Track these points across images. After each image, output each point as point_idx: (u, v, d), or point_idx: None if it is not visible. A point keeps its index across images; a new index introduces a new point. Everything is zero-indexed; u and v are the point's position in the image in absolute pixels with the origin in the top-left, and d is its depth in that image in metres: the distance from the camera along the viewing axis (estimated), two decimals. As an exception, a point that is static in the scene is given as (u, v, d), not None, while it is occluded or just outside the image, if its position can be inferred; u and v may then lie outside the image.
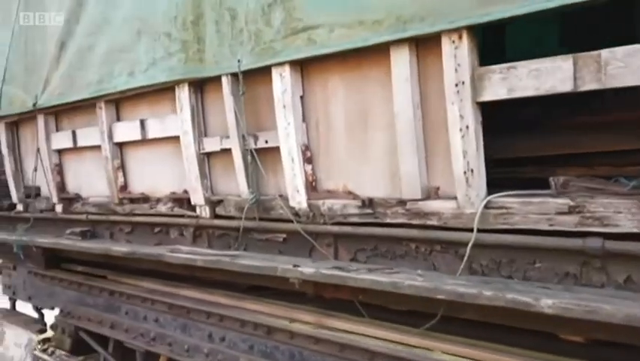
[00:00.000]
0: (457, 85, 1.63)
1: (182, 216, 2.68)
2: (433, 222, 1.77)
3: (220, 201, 2.49)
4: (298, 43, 1.97)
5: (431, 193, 1.79)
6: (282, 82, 2.07)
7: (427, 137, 1.78)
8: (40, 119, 3.39)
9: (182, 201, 2.68)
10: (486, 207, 1.64)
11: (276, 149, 2.20)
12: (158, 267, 2.78)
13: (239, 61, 2.17)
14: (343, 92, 2.01)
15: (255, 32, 2.11)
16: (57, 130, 3.42)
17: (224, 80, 2.28)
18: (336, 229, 2.05)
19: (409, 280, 1.66)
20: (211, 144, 2.46)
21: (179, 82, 2.46)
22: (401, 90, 1.77)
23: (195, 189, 2.53)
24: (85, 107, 3.10)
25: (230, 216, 2.46)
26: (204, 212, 2.55)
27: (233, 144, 2.31)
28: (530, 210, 1.57)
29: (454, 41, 1.61)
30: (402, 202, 1.84)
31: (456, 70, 1.62)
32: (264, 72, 2.16)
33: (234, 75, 2.24)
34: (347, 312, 2.09)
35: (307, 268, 1.90)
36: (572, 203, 1.50)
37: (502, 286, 1.53)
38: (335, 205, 2.04)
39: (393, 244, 1.92)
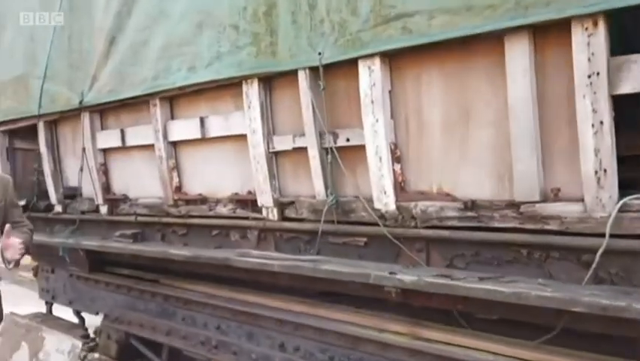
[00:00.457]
0: (589, 76, 1.48)
1: (245, 218, 2.55)
2: (552, 226, 1.62)
3: (290, 203, 2.35)
4: (390, 33, 1.83)
5: (550, 195, 1.64)
6: (371, 75, 1.93)
7: (545, 134, 1.63)
8: (86, 118, 3.27)
9: (246, 202, 2.55)
10: (620, 210, 1.49)
11: (358, 148, 2.06)
12: (215, 271, 2.66)
13: (319, 54, 2.03)
14: (440, 85, 1.86)
15: (338, 22, 1.96)
16: (102, 129, 3.29)
17: (300, 74, 2.13)
18: (429, 232, 1.91)
19: (536, 290, 1.51)
20: (282, 143, 2.32)
21: (247, 77, 2.32)
22: (518, 83, 1.62)
23: (263, 190, 2.40)
24: (134, 104, 2.97)
25: (301, 219, 2.33)
26: (272, 214, 2.41)
27: (310, 143, 2.17)
28: (676, 213, 1.42)
29: (587, 28, 1.46)
30: (513, 205, 1.70)
31: (589, 60, 1.47)
32: (346, 65, 2.02)
33: (312, 69, 2.09)
34: (435, 321, 1.96)
35: (407, 276, 1.76)
36: None
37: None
38: (430, 208, 1.89)
39: (499, 250, 1.78)
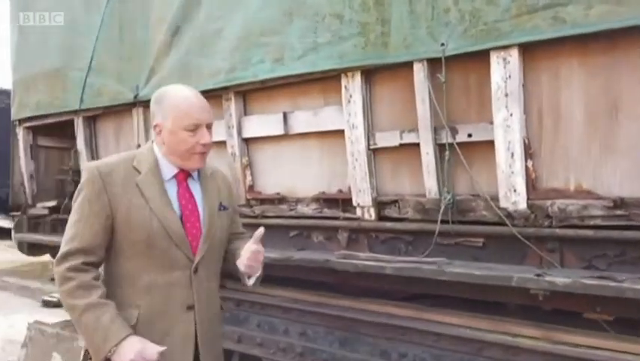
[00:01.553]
0: None
1: (335, 218, 2.43)
2: None
3: (392, 202, 2.24)
4: (537, 23, 1.73)
5: None
6: (506, 67, 1.83)
7: None
8: (140, 113, 3.08)
9: (335, 201, 2.42)
10: None
11: (479, 144, 1.97)
12: (293, 274, 2.53)
13: (442, 45, 1.92)
14: (582, 78, 1.78)
15: (470, 12, 1.86)
16: (155, 125, 3.10)
17: (417, 66, 2.02)
18: (567, 232, 1.83)
19: None
20: (385, 139, 2.20)
21: (349, 70, 2.19)
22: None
23: (360, 189, 2.28)
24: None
25: (402, 219, 2.22)
26: (368, 214, 2.30)
27: (424, 138, 2.06)
28: None
29: None
30: (672, 202, 1.63)
31: None
32: (468, 57, 1.92)
33: (430, 61, 1.99)
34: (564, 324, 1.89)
35: (561, 278, 1.68)
36: None
37: None
38: (570, 206, 1.81)
39: (651, 249, 1.71)
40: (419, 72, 2.02)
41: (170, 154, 1.67)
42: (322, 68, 2.25)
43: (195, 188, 1.73)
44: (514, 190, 1.90)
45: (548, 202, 1.85)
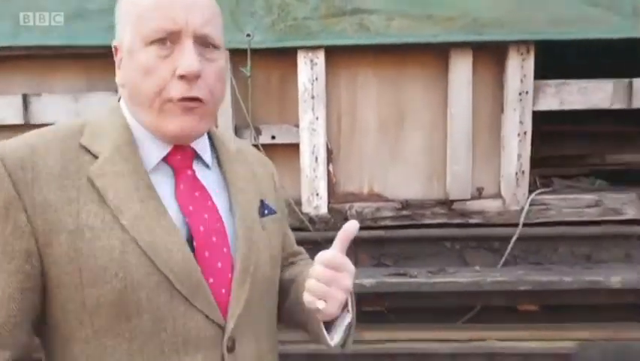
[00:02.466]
0: (520, 94, 1.78)
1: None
2: (477, 220, 1.88)
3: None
4: (344, 27, 1.74)
5: (476, 193, 1.89)
6: (313, 69, 1.78)
7: (476, 139, 1.87)
8: None
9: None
10: (530, 204, 1.86)
11: (281, 146, 1.88)
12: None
13: (248, 35, 1.75)
14: (376, 87, 1.88)
15: (279, 5, 1.74)
16: None
17: (217, 55, 1.78)
18: (358, 233, 1.89)
19: (489, 277, 1.73)
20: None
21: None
22: (460, 94, 1.80)
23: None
24: None
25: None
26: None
27: (223, 138, 1.84)
28: (565, 205, 1.87)
29: (522, 53, 1.76)
30: (444, 203, 1.88)
31: (521, 80, 1.77)
32: (274, 53, 1.81)
33: (234, 52, 1.78)
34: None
35: (368, 280, 1.72)
36: (597, 198, 1.87)
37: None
38: (366, 209, 1.89)
39: (425, 245, 1.94)
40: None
41: (135, 109, 0.80)
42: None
43: (210, 180, 0.86)
44: (317, 194, 1.87)
45: (347, 206, 1.90)
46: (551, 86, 1.81)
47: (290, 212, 1.88)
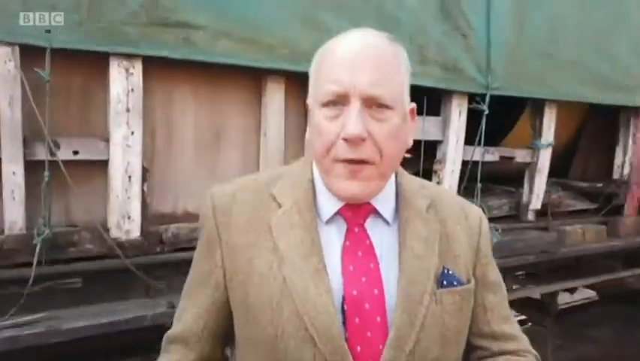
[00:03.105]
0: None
1: None
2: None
3: None
4: (167, 39, 1.62)
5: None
6: (129, 80, 1.60)
7: (289, 162, 1.99)
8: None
9: None
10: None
11: (84, 163, 1.63)
12: None
13: (48, 31, 1.46)
14: (192, 105, 1.82)
15: (88, 5, 1.50)
16: None
17: (2, 50, 1.42)
18: (174, 256, 1.81)
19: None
20: None
21: None
22: (274, 117, 1.90)
23: None
24: None
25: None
26: None
27: (10, 153, 1.48)
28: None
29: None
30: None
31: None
32: (83, 56, 1.56)
33: (26, 49, 1.46)
34: None
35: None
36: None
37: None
38: (182, 231, 1.80)
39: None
40: (6, 61, 1.44)
41: (315, 164, 0.86)
42: None
43: (385, 239, 0.83)
44: (129, 217, 1.69)
45: (162, 228, 1.77)
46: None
47: (95, 238, 1.65)
